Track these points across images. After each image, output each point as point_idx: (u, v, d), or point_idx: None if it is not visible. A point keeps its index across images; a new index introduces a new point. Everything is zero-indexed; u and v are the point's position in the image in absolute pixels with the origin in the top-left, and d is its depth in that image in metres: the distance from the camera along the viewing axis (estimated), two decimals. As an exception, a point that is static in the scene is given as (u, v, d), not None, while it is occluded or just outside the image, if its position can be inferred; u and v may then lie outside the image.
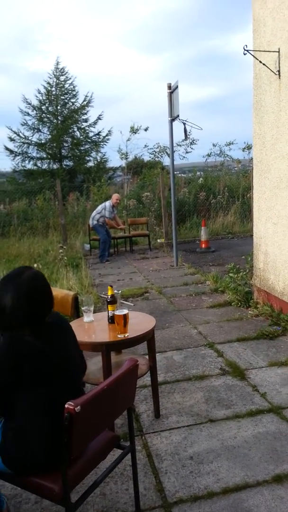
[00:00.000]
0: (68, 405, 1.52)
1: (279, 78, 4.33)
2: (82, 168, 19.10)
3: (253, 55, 4.66)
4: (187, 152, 15.44)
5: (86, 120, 19.66)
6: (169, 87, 7.31)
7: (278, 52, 4.30)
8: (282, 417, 2.78)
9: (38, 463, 1.70)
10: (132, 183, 14.98)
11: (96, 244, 9.58)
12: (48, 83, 19.17)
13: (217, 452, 2.46)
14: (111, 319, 2.74)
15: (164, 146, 15.04)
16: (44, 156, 19.28)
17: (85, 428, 1.64)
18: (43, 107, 19.20)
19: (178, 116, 7.12)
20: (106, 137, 19.69)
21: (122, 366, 1.86)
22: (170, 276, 7.11)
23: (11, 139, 18.78)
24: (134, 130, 14.00)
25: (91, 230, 9.50)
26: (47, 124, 19.26)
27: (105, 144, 19.77)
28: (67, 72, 19.37)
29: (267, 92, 4.62)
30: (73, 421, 1.52)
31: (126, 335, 2.58)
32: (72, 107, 19.57)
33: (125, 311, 2.58)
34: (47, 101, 19.25)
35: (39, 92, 19.11)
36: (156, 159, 16.08)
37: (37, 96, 19.13)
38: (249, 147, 14.09)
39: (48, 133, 19.24)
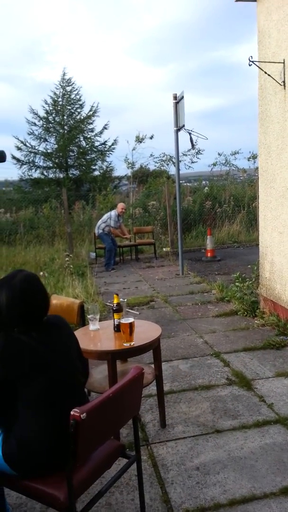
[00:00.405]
0: (74, 412, 1.52)
1: (284, 88, 4.36)
2: (88, 177, 19.23)
3: (258, 66, 4.70)
4: (192, 162, 15.55)
5: (92, 130, 19.85)
6: (175, 97, 7.37)
7: (283, 63, 4.34)
8: (289, 428, 2.75)
9: (42, 463, 1.72)
10: (138, 192, 15.05)
11: (102, 253, 9.60)
12: (55, 93, 19.44)
13: (224, 463, 2.43)
14: (117, 328, 2.74)
15: (170, 155, 15.15)
16: (51, 165, 19.46)
17: (91, 436, 1.64)
18: (50, 117, 19.43)
19: (183, 126, 7.17)
20: (112, 146, 19.86)
21: (128, 374, 1.86)
22: (176, 284, 7.11)
23: (18, 148, 19.01)
24: (139, 139, 14.12)
25: (96, 239, 9.54)
26: (54, 134, 19.46)
27: (110, 153, 19.96)
28: (73, 83, 19.64)
29: (272, 102, 4.65)
30: (78, 428, 1.52)
31: (132, 344, 2.58)
32: (78, 117, 19.78)
33: (131, 320, 2.58)
34: (53, 111, 19.47)
35: (46, 103, 19.38)
36: (162, 168, 16.19)
37: (43, 106, 19.39)
38: (254, 157, 14.14)
39: (54, 142, 19.43)
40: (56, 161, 19.48)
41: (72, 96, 19.64)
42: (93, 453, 1.81)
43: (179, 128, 7.38)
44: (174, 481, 2.32)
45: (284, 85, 4.35)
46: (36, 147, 19.19)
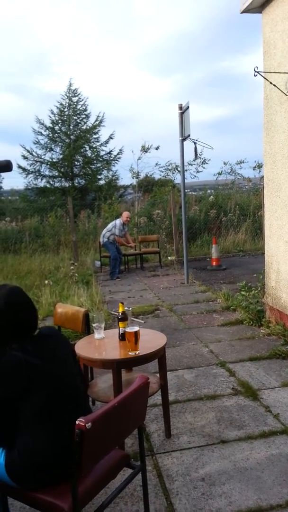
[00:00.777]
0: (79, 421, 1.52)
1: (290, 98, 4.38)
2: (93, 186, 19.34)
3: (263, 77, 4.74)
4: (198, 171, 15.61)
5: (97, 139, 20.01)
6: (180, 107, 7.43)
7: (288, 73, 4.37)
8: (295, 439, 2.71)
9: (46, 474, 1.71)
10: (143, 201, 15.11)
11: (107, 261, 9.62)
12: (61, 103, 19.65)
13: (229, 474, 2.41)
14: (122, 336, 2.74)
15: (176, 164, 15.22)
16: (56, 174, 19.60)
17: (96, 445, 1.63)
18: (56, 127, 19.62)
19: (189, 135, 7.22)
20: (117, 155, 20.01)
21: (133, 383, 1.85)
22: (181, 293, 7.09)
23: (24, 157, 19.19)
24: (145, 149, 14.21)
25: (101, 247, 9.56)
26: (59, 143, 19.64)
27: (116, 163, 20.09)
28: (79, 93, 19.85)
29: (277, 112, 4.67)
30: (84, 438, 1.51)
31: (137, 353, 2.57)
32: (84, 127, 19.97)
33: (136, 328, 2.57)
34: (59, 121, 19.67)
35: (52, 113, 19.58)
36: (167, 177, 16.26)
37: (50, 116, 19.60)
38: (259, 166, 14.17)
39: (60, 152, 19.61)
40: (62, 170, 19.63)
41: (78, 106, 19.87)
42: (98, 463, 1.80)
43: (184, 137, 7.43)
44: (179, 492, 2.29)
45: (289, 95, 4.37)
46: (42, 156, 19.38)
